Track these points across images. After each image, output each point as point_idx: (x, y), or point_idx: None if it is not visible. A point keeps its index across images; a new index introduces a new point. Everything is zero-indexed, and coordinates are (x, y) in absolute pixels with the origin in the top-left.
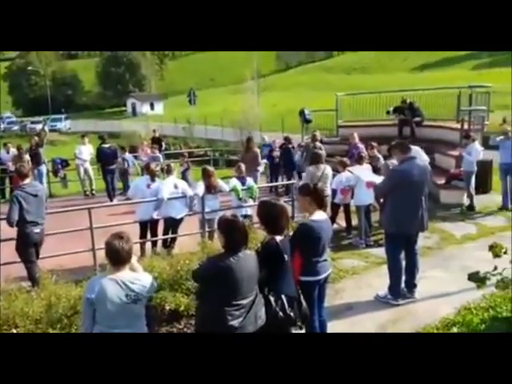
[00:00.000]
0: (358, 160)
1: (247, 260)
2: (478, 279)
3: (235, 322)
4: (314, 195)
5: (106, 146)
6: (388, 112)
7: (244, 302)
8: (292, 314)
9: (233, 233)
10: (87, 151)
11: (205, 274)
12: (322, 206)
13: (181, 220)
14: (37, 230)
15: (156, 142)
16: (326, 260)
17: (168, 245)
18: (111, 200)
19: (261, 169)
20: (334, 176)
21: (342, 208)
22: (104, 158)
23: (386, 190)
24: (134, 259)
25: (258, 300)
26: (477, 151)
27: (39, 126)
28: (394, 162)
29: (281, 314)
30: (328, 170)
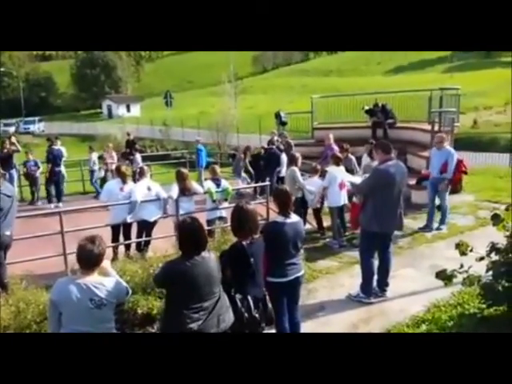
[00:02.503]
0: (335, 160)
1: (206, 262)
2: (445, 277)
3: (194, 325)
4: (280, 197)
5: (56, 147)
6: (363, 108)
7: (204, 304)
8: (257, 315)
9: (189, 235)
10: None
11: (162, 278)
12: (287, 207)
13: (155, 223)
14: (7, 232)
15: (130, 144)
16: (295, 263)
17: (142, 248)
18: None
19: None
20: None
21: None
22: (53, 160)
23: (367, 189)
24: (107, 263)
25: (222, 303)
26: None
27: (12, 129)
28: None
29: (246, 314)
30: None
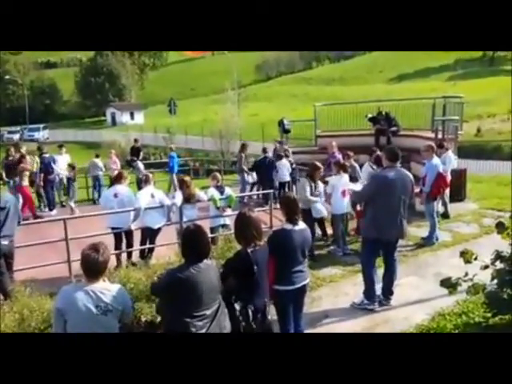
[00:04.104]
0: (340, 167)
1: (208, 270)
2: (449, 285)
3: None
4: (288, 205)
5: (47, 155)
6: (366, 116)
7: (207, 312)
8: (254, 325)
9: (193, 242)
10: (64, 161)
11: (165, 286)
12: (295, 214)
13: (158, 230)
14: (4, 241)
15: (135, 151)
16: (302, 270)
17: (145, 255)
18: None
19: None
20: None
21: None
22: (45, 169)
23: (366, 195)
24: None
25: (222, 310)
26: (450, 160)
27: (16, 136)
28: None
29: (243, 323)
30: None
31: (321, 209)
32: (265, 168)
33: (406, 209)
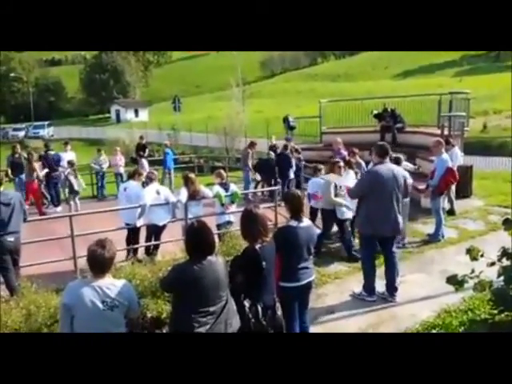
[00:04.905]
0: (345, 164)
1: (213, 266)
2: (456, 282)
3: (202, 329)
4: (292, 202)
5: (52, 152)
6: (372, 112)
7: (211, 308)
8: (264, 322)
9: (196, 239)
10: (69, 158)
11: (169, 282)
12: (299, 211)
13: (164, 227)
14: (10, 238)
15: (141, 148)
16: (307, 267)
17: (151, 252)
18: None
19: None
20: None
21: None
22: (49, 165)
23: (357, 191)
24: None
25: (229, 307)
26: (457, 156)
27: (21, 133)
28: None
29: (253, 321)
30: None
31: (346, 211)
32: (281, 164)
33: (399, 204)
